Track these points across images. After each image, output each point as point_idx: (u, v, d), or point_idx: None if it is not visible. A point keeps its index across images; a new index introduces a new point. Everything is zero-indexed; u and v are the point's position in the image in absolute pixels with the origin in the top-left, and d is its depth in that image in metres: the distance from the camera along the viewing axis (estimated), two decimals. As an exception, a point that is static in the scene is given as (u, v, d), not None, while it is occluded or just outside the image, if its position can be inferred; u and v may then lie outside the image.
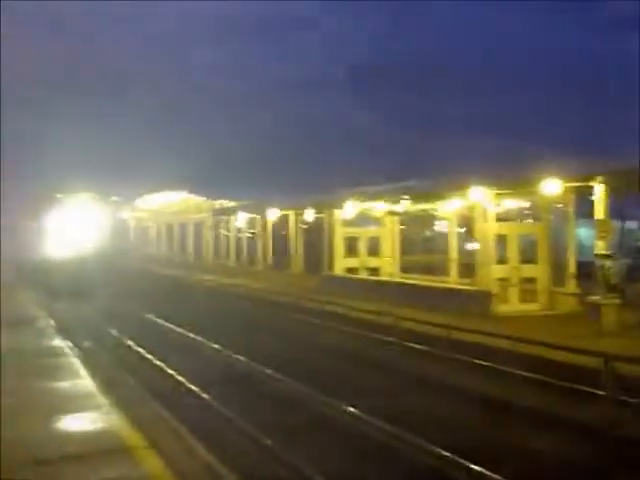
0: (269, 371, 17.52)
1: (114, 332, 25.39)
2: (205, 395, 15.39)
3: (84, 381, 13.23)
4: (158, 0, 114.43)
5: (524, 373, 15.55)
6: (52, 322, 23.14)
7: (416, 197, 28.84)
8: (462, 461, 10.45)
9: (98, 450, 8.90)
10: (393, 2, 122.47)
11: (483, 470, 10.09)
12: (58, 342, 18.48)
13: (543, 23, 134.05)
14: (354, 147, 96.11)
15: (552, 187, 21.57)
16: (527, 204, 27.29)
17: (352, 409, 13.56)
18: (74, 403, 11.43)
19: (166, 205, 60.83)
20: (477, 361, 17.31)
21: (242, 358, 19.35)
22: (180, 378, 17.18)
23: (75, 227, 37.60)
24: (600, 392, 13.13)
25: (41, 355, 16.18)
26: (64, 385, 12.85)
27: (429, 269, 33.57)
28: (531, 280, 25.24)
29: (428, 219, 34.24)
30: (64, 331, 21.06)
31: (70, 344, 18.25)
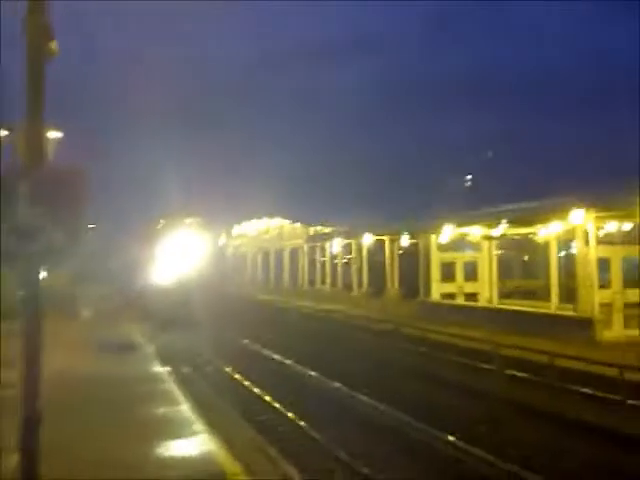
0: (382, 406, 17.44)
1: (212, 358, 25.86)
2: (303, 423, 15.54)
3: (182, 407, 13.49)
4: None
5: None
6: (153, 348, 23.74)
7: (514, 222, 28.37)
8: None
9: (196, 476, 9.11)
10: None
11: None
12: (159, 368, 18.91)
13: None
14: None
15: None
16: (630, 226, 26.46)
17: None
18: (173, 429, 11.68)
19: (262, 231, 61.85)
20: (586, 390, 16.85)
21: (363, 397, 19.14)
22: (277, 405, 17.42)
23: (179, 252, 37.56)
24: None
25: (142, 381, 16.59)
26: (163, 411, 13.14)
27: (529, 294, 32.94)
28: (636, 305, 24.42)
29: (527, 243, 33.63)
30: (165, 357, 21.56)
31: (169, 369, 18.67)
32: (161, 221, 39.94)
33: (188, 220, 39.23)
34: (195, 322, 32.86)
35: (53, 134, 10.60)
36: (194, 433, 11.36)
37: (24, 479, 6.26)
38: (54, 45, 6.72)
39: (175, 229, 38.43)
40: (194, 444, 10.73)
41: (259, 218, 60.83)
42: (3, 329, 23.36)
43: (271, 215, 59.62)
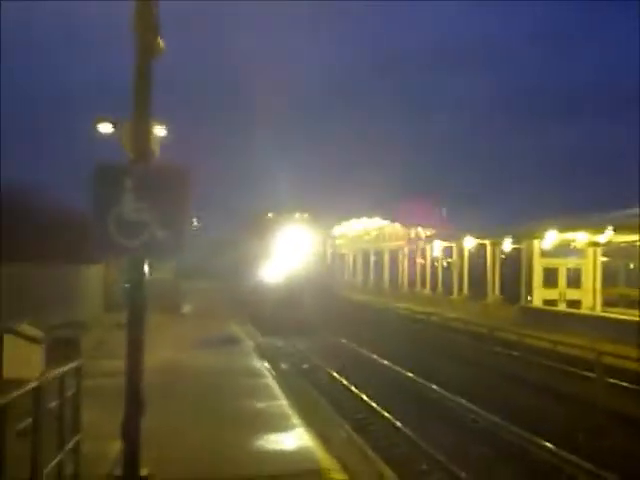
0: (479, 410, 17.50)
1: (310, 354, 26.21)
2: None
3: (281, 402, 13.77)
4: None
5: None
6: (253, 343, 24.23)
7: (620, 228, 27.69)
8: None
9: (292, 471, 9.26)
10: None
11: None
12: (258, 363, 19.29)
13: None
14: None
15: None
16: None
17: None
18: (271, 423, 11.93)
19: (362, 232, 61.78)
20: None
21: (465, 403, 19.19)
22: (367, 400, 17.70)
23: (288, 248, 36.84)
24: None
25: (243, 375, 17.01)
26: (263, 405, 13.44)
27: (634, 303, 32.06)
28: None
29: (633, 250, 32.72)
30: (263, 353, 22.00)
31: (268, 365, 19.07)
32: (269, 215, 39.03)
33: (297, 215, 38.33)
34: (302, 321, 32.80)
35: (160, 130, 10.99)
36: (292, 427, 11.56)
37: (126, 465, 6.57)
38: (161, 42, 7.03)
39: (284, 224, 37.44)
40: (290, 439, 10.88)
41: (358, 217, 60.55)
42: (108, 320, 24.61)
43: (370, 215, 59.33)
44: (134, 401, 6.65)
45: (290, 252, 36.32)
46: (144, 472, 6.65)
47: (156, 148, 8.15)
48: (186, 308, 35.54)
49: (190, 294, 39.52)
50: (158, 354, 16.47)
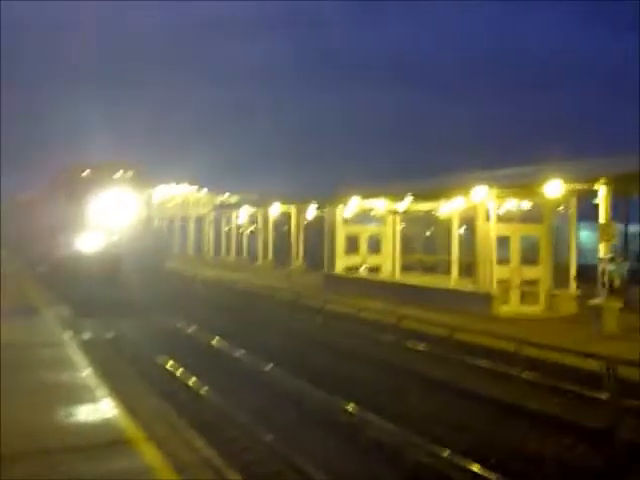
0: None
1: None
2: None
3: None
4: None
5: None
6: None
7: (418, 196, 28.78)
8: None
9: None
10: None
11: None
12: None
13: None
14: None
15: (554, 189, 21.57)
16: (529, 205, 27.17)
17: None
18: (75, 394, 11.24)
19: (167, 199, 60.11)
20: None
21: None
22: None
23: (107, 212, 29.94)
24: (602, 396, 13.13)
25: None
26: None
27: (430, 269, 33.64)
28: (533, 282, 25.26)
29: (430, 218, 34.15)
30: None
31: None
32: (85, 173, 31.11)
33: (120, 173, 30.98)
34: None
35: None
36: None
37: None
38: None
39: (103, 183, 30.37)
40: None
41: (167, 183, 57.74)
42: None
43: (179, 181, 56.98)
44: None
45: (110, 216, 29.57)
46: None
47: None
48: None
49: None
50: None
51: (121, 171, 30.81)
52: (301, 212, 39.22)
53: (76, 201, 29.34)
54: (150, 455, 8.25)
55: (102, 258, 27.98)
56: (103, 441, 8.63)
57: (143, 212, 31.43)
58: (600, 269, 20.47)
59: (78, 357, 14.69)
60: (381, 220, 34.01)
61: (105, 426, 9.33)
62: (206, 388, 15.56)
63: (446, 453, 10.99)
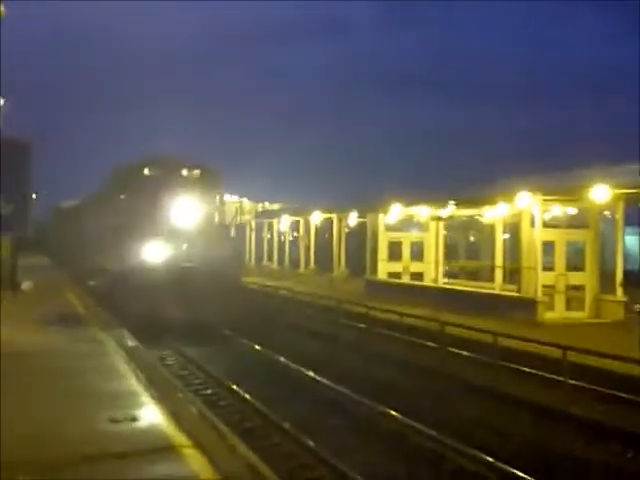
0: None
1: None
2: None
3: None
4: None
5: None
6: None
7: (462, 202, 28.62)
8: None
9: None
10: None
11: None
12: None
13: None
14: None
15: (601, 194, 21.35)
16: (575, 211, 26.88)
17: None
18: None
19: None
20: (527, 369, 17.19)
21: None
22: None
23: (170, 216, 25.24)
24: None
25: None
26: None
27: (474, 275, 33.46)
28: (578, 288, 24.99)
29: (473, 224, 33.96)
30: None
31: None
32: (145, 171, 26.03)
33: (184, 171, 25.92)
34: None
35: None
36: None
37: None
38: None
39: (168, 182, 25.42)
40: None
41: None
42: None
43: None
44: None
45: (178, 221, 24.88)
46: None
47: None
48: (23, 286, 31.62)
49: (27, 270, 36.05)
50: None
51: (187, 168, 25.95)
52: (342, 219, 39.30)
53: (135, 204, 25.11)
54: None
55: (169, 270, 23.52)
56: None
57: (216, 217, 27.24)
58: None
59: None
60: (424, 227, 33.90)
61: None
62: None
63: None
